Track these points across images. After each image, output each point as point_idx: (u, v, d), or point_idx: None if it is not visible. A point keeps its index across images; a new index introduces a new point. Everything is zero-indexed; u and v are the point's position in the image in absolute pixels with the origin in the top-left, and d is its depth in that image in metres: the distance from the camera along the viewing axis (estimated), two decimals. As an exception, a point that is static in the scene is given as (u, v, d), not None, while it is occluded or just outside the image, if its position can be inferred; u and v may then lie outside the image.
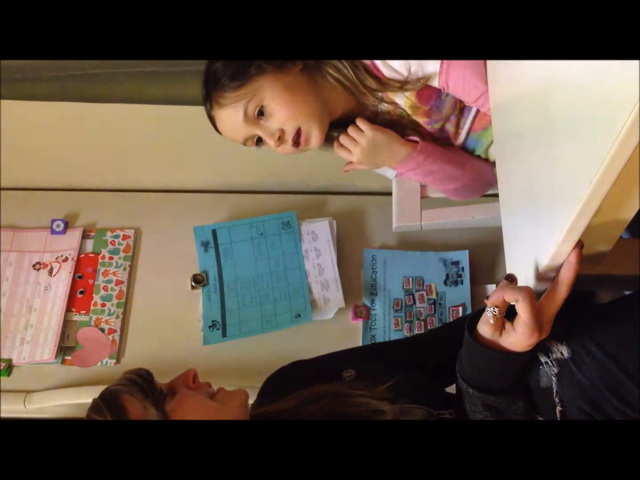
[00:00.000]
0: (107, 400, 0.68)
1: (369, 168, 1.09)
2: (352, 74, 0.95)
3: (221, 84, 0.92)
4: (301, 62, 0.95)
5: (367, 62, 0.96)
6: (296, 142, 0.97)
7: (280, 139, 0.96)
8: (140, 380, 0.70)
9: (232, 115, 0.94)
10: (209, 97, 0.95)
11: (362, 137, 1.01)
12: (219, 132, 1.00)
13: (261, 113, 0.94)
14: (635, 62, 0.43)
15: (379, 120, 1.06)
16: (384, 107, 1.04)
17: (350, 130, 1.02)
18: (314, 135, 0.97)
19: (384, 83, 0.97)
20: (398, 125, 1.06)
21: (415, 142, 1.04)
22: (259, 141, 0.98)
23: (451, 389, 0.85)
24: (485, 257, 1.38)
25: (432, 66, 0.94)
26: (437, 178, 1.09)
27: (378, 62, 0.95)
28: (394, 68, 0.95)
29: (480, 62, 0.92)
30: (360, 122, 1.01)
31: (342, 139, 1.03)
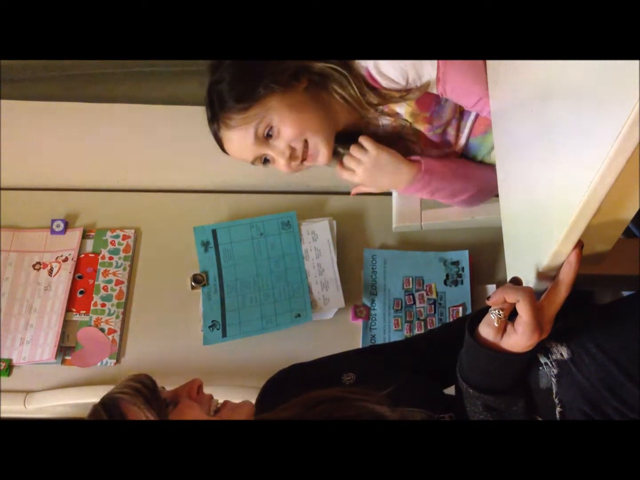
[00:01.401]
0: (108, 407, 0.68)
1: (375, 190, 1.07)
2: (355, 90, 0.94)
3: (228, 106, 0.91)
4: (306, 80, 0.95)
5: (365, 74, 0.96)
6: (303, 158, 0.97)
7: (292, 157, 0.96)
8: (144, 389, 0.69)
9: (241, 137, 0.94)
10: (215, 119, 0.94)
11: (365, 155, 1.00)
12: (226, 152, 0.99)
13: (270, 133, 0.93)
14: (635, 62, 0.43)
15: (380, 132, 1.05)
16: (386, 120, 1.03)
17: (353, 149, 1.00)
18: (322, 152, 0.97)
19: (383, 95, 0.96)
20: (400, 137, 1.05)
21: (419, 161, 1.03)
22: (266, 161, 0.98)
23: (451, 390, 0.85)
24: (485, 257, 1.38)
25: (428, 73, 0.93)
26: (445, 194, 1.09)
27: (375, 73, 0.95)
28: (390, 78, 0.94)
29: (477, 66, 0.92)
30: (364, 141, 1.00)
31: (346, 159, 1.02)
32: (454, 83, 0.93)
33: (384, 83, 0.95)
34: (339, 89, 0.95)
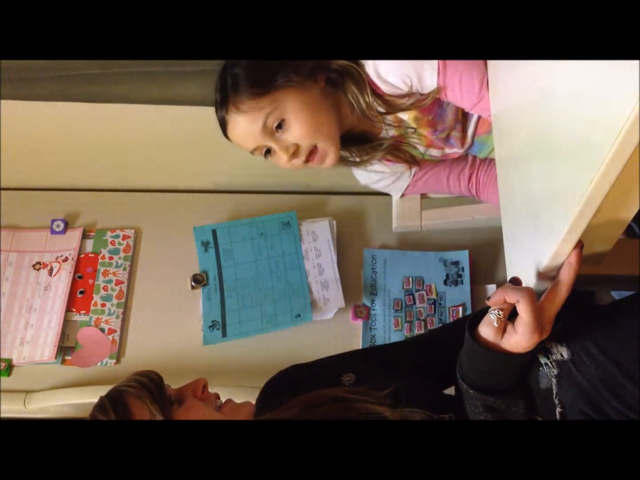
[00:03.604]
0: (114, 400, 0.68)
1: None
2: (370, 98, 0.94)
3: (241, 89, 0.90)
4: (323, 81, 0.94)
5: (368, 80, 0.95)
6: (307, 159, 0.97)
7: (294, 154, 0.95)
8: (151, 384, 0.70)
9: (250, 123, 0.92)
10: (225, 101, 0.92)
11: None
12: (227, 137, 0.98)
13: (279, 126, 0.92)
14: (635, 62, 0.43)
15: (383, 136, 1.05)
16: (390, 129, 1.03)
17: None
18: (330, 156, 0.96)
19: (389, 102, 0.96)
20: (403, 140, 1.05)
21: None
22: (267, 152, 0.96)
23: (451, 390, 0.85)
24: (485, 257, 1.38)
25: (430, 80, 0.93)
26: None
27: (374, 79, 0.94)
28: (390, 83, 0.94)
29: (476, 68, 0.92)
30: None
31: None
32: (453, 86, 0.93)
33: (385, 89, 0.95)
34: (355, 89, 0.94)
